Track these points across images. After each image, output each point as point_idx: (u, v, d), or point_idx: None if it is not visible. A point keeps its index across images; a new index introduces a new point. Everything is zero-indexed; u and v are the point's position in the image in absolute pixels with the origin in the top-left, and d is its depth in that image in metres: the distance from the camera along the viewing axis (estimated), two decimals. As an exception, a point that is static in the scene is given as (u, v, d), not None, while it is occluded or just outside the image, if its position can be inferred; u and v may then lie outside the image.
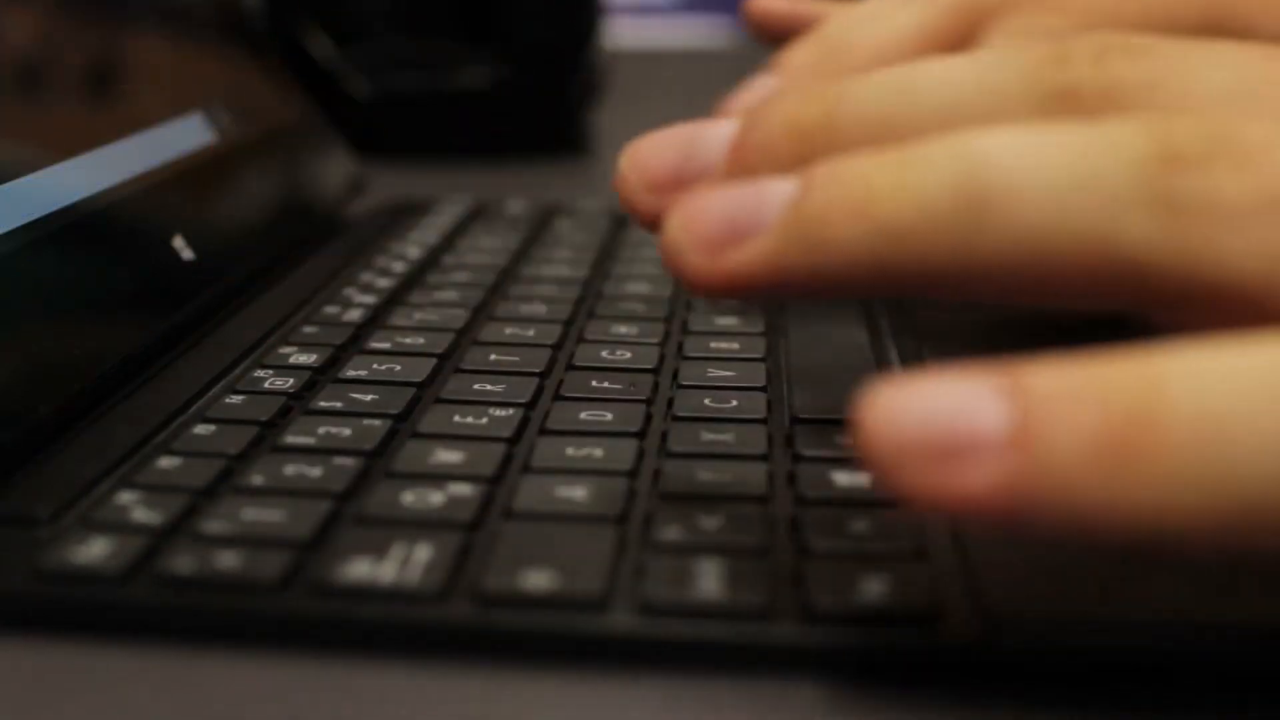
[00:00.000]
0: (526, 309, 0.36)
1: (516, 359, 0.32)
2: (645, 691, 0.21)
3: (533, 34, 0.61)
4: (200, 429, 0.28)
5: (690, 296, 0.37)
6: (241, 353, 0.33)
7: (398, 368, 0.31)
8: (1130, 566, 0.22)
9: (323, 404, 0.29)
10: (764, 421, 0.28)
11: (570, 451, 0.27)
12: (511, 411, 0.29)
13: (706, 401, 0.29)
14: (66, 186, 0.33)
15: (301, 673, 0.21)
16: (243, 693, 0.21)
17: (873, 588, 0.22)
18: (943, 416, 0.16)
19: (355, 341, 0.34)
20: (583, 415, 0.28)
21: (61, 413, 0.28)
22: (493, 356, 0.32)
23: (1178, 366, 0.16)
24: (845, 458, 0.26)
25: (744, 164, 0.21)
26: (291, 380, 0.30)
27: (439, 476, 0.25)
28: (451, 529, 0.23)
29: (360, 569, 0.22)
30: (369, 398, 0.29)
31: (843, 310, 0.36)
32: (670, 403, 0.29)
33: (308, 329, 0.34)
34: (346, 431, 0.27)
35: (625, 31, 0.86)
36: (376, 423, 0.28)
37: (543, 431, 0.28)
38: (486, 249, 0.43)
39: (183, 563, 0.22)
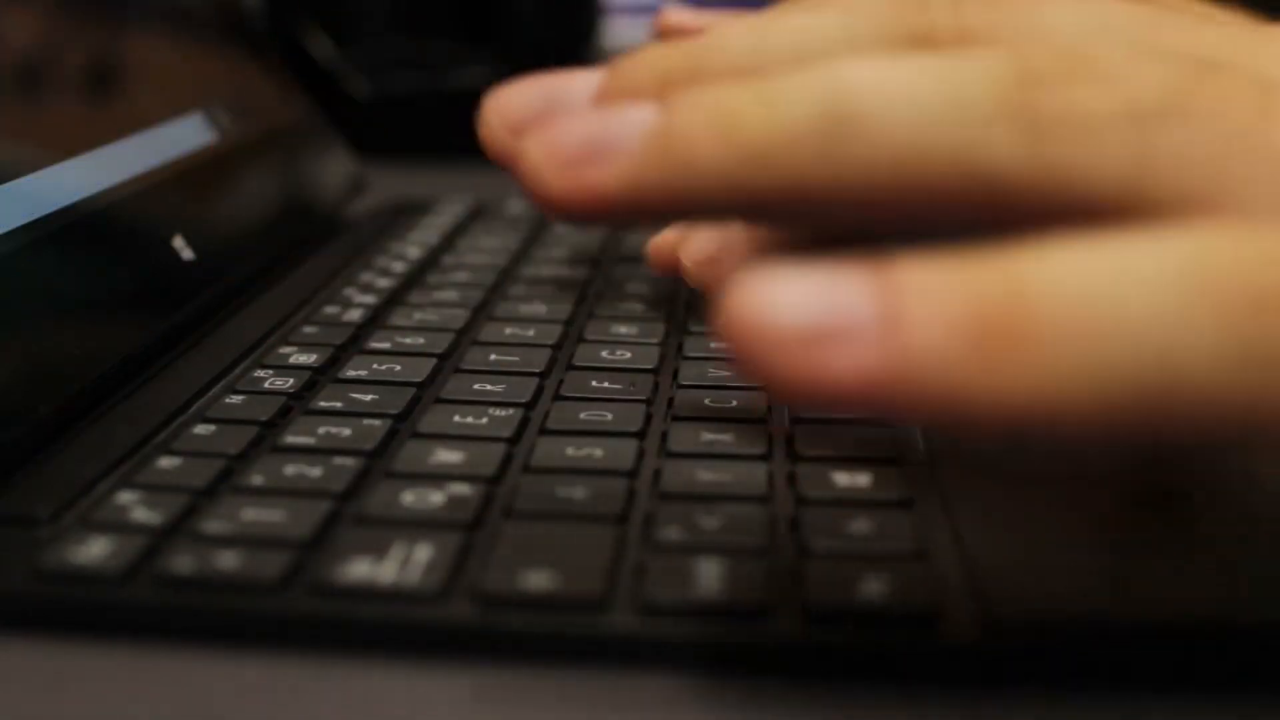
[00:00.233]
0: (526, 309, 0.36)
1: (516, 359, 0.32)
2: (645, 691, 0.21)
3: (533, 34, 0.61)
4: (200, 429, 0.28)
5: (687, 295, 0.37)
6: (241, 353, 0.33)
7: (398, 368, 0.31)
8: (1130, 567, 0.22)
9: (323, 404, 0.29)
10: (764, 421, 0.28)
11: (570, 451, 0.27)
12: (511, 411, 0.29)
13: (706, 401, 0.29)
14: (67, 186, 0.33)
15: (301, 673, 0.21)
16: (243, 693, 0.21)
17: (873, 588, 0.21)
18: (813, 303, 0.16)
19: (355, 341, 0.34)
20: (583, 415, 0.28)
21: (61, 413, 0.28)
22: (493, 356, 0.32)
23: (1044, 259, 0.16)
24: (845, 458, 0.26)
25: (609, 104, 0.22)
26: (291, 380, 0.30)
27: (439, 476, 0.25)
28: (451, 529, 0.23)
29: (360, 569, 0.22)
30: (369, 398, 0.29)
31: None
32: (670, 403, 0.29)
33: (308, 329, 0.34)
34: (346, 431, 0.27)
35: (625, 31, 0.86)
36: (376, 423, 0.28)
37: (543, 431, 0.28)
38: (486, 249, 0.43)
39: (183, 563, 0.22)
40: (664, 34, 0.46)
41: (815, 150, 0.18)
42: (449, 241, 0.44)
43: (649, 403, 0.29)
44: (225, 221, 0.39)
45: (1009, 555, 0.23)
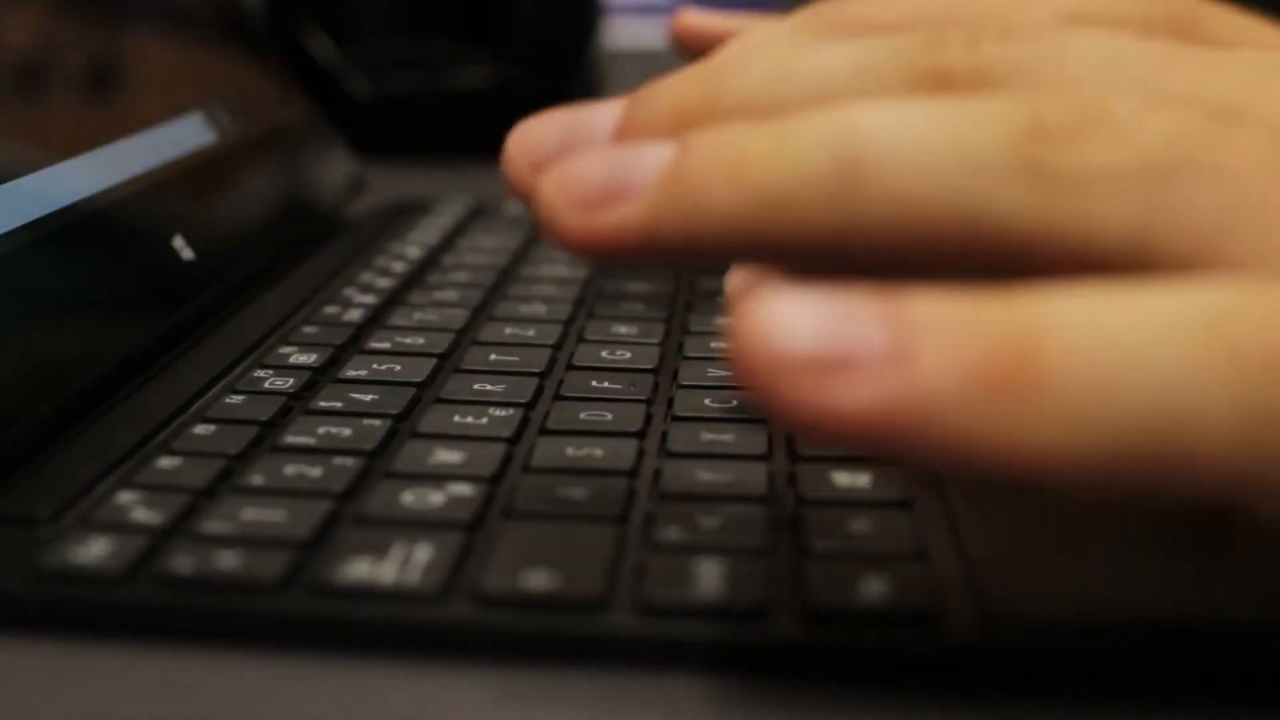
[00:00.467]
0: (526, 309, 0.36)
1: (516, 359, 0.32)
2: (645, 691, 0.21)
3: (533, 34, 0.61)
4: (200, 429, 0.28)
5: (689, 300, 0.37)
6: (241, 353, 0.33)
7: (398, 368, 0.31)
8: (1131, 567, 0.22)
9: (323, 404, 0.29)
10: (764, 421, 0.28)
11: (570, 451, 0.27)
12: (511, 411, 0.29)
13: (706, 401, 0.29)
14: (67, 186, 0.33)
15: (301, 673, 0.21)
16: (243, 693, 0.21)
17: (873, 588, 0.22)
18: (823, 329, 0.16)
19: (355, 341, 0.34)
20: (583, 415, 0.28)
21: (61, 413, 0.28)
22: (493, 356, 0.32)
23: (1059, 307, 0.16)
24: (845, 457, 0.26)
25: (626, 141, 0.22)
26: (291, 380, 0.30)
27: (439, 476, 0.25)
28: (451, 529, 0.23)
29: (360, 569, 0.22)
30: (369, 398, 0.29)
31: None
32: (670, 403, 0.29)
33: (308, 329, 0.34)
34: (346, 431, 0.27)
35: (625, 31, 0.86)
36: (376, 423, 0.28)
37: (543, 431, 0.28)
38: (486, 249, 0.43)
39: (183, 563, 0.22)
40: (680, 37, 0.46)
41: (825, 196, 0.18)
42: (449, 241, 0.44)
43: (649, 403, 0.29)
44: (225, 221, 0.39)
45: (1009, 555, 0.23)
